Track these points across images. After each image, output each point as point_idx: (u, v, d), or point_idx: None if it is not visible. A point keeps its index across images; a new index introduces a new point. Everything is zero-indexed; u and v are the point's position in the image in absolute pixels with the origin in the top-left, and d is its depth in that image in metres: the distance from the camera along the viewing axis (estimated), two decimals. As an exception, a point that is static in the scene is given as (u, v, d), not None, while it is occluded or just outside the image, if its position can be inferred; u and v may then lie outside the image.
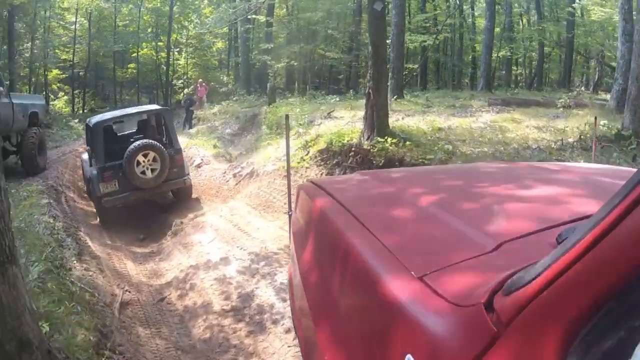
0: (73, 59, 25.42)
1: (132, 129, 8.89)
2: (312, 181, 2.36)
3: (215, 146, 12.26)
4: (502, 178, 2.05)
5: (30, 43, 22.63)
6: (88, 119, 8.42)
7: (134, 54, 27.20)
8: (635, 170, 0.73)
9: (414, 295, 1.05)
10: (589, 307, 0.66)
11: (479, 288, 0.93)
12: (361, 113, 11.04)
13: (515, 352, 0.76)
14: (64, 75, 25.38)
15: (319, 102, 12.76)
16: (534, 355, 0.73)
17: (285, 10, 24.68)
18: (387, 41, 9.94)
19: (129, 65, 28.00)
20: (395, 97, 12.21)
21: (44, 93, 23.51)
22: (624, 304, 0.63)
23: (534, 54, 27.25)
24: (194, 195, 8.58)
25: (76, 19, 25.25)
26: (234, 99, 18.91)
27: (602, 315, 0.65)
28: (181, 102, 19.96)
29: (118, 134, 8.78)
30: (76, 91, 25.88)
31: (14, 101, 8.49)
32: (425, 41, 17.87)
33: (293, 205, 2.56)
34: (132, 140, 8.01)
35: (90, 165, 7.54)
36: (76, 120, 19.15)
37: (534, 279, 0.76)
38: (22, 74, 22.92)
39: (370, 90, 6.98)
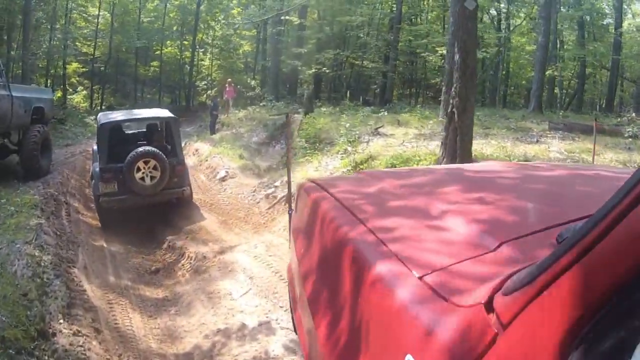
0: (94, 52, 24.48)
1: (141, 128, 8.91)
2: (312, 180, 2.35)
3: (241, 156, 10.87)
4: (504, 178, 2.04)
5: (49, 34, 21.66)
6: (100, 113, 8.43)
7: (158, 52, 26.23)
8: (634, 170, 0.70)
9: (414, 295, 1.01)
10: (589, 307, 0.64)
11: (479, 288, 0.90)
12: (413, 130, 9.69)
13: (515, 353, 0.74)
14: (83, 69, 24.46)
15: (361, 114, 11.28)
16: (534, 355, 0.70)
17: (316, 15, 23.40)
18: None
19: (151, 63, 27.04)
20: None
21: (62, 86, 22.57)
22: (623, 304, 0.61)
23: (569, 73, 25.90)
24: (220, 218, 7.28)
25: (99, 12, 24.32)
26: (261, 104, 17.48)
27: (602, 315, 0.63)
28: (207, 104, 18.95)
29: (126, 132, 8.91)
30: (95, 86, 24.89)
31: (14, 94, 7.37)
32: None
33: (293, 204, 2.50)
34: (138, 142, 8.10)
35: (97, 161, 7.45)
36: (92, 117, 18.01)
37: (534, 279, 0.74)
38: (40, 66, 21.97)
39: (454, 110, 5.51)
